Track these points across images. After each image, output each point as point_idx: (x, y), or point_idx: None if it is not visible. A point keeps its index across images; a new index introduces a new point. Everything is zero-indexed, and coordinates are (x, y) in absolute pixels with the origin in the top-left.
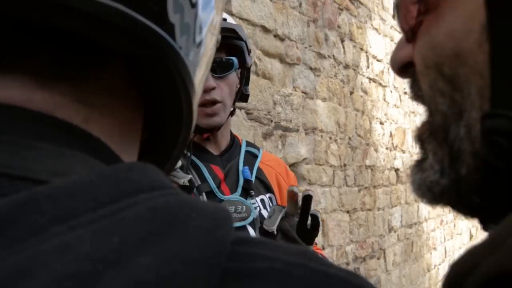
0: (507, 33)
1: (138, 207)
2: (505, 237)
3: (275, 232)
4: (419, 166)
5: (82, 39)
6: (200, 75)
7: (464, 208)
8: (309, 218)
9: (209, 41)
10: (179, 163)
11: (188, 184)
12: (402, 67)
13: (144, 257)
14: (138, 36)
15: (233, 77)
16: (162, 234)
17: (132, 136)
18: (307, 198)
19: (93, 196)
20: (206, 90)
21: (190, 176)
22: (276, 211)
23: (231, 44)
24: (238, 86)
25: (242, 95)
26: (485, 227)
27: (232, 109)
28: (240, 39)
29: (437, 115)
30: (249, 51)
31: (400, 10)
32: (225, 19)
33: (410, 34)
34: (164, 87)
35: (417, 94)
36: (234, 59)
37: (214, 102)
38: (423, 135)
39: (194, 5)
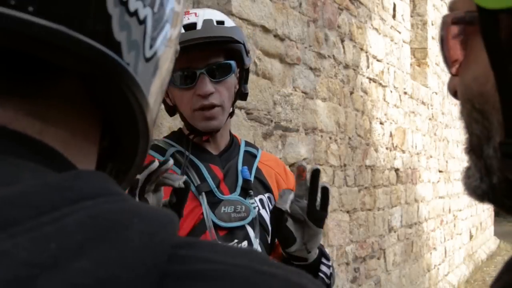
0: (507, 86)
1: (80, 214)
2: None
3: (288, 210)
4: (466, 172)
5: (33, 59)
6: (157, 86)
7: (501, 207)
8: (318, 196)
9: (164, 54)
10: (171, 162)
11: (183, 186)
12: (454, 94)
13: (82, 261)
14: (83, 55)
15: (232, 80)
16: (102, 240)
17: (89, 146)
18: (316, 173)
19: (35, 204)
20: (204, 96)
21: (185, 177)
22: (286, 192)
23: (229, 48)
24: (237, 87)
25: (241, 94)
26: None
27: (231, 110)
28: (238, 42)
29: (473, 136)
30: (247, 52)
31: (444, 44)
32: (222, 22)
33: (452, 70)
34: (116, 101)
35: (461, 116)
36: (232, 62)
37: (212, 106)
38: (466, 150)
39: (142, 22)
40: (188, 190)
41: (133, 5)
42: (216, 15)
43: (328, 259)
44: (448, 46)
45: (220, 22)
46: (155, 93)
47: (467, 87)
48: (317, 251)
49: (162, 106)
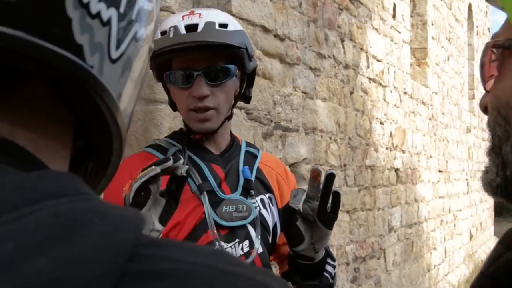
0: None
1: (41, 213)
2: None
3: (301, 210)
4: (485, 170)
5: None
6: (129, 86)
7: (510, 198)
8: (330, 199)
9: (135, 53)
10: (181, 160)
11: (185, 175)
12: (484, 109)
13: (38, 261)
14: (44, 60)
15: (231, 83)
16: (61, 239)
17: (61, 147)
18: (330, 177)
19: None
20: (199, 98)
21: (187, 166)
22: (299, 192)
23: (229, 52)
24: (238, 90)
25: (245, 97)
26: None
27: (229, 113)
28: (239, 47)
29: (496, 137)
30: (250, 56)
31: (483, 65)
32: (225, 25)
33: (487, 85)
34: (84, 102)
35: (488, 124)
36: (232, 67)
37: (206, 109)
38: (488, 151)
39: (106, 24)
40: (187, 178)
41: (94, 7)
42: (220, 17)
43: (333, 259)
44: (486, 67)
45: (223, 25)
46: (127, 93)
47: (496, 97)
48: (324, 251)
49: (162, 106)
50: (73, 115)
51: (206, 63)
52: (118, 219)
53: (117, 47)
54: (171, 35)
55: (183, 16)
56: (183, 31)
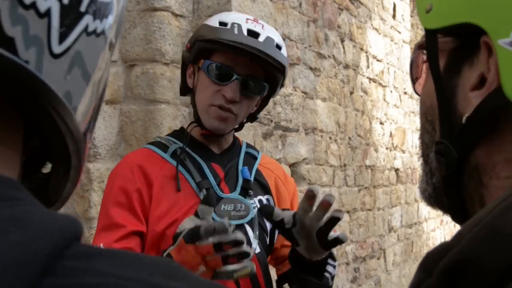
0: (441, 92)
1: None
2: (466, 234)
3: (285, 220)
4: (420, 177)
5: None
6: (81, 82)
7: (442, 207)
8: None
9: (87, 48)
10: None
11: (249, 252)
12: None
13: None
14: None
15: (256, 99)
16: None
17: (7, 149)
18: (335, 221)
19: None
20: (230, 100)
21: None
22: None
23: (271, 73)
24: (254, 109)
25: (252, 116)
26: (455, 221)
27: (237, 126)
28: (283, 73)
29: (424, 144)
30: (282, 85)
31: (412, 67)
32: (280, 48)
33: (416, 88)
34: (24, 101)
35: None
36: (266, 86)
37: (229, 111)
38: (419, 158)
39: (43, 15)
40: (249, 255)
41: None
42: (277, 37)
43: (334, 259)
44: (415, 68)
45: (279, 47)
46: (79, 91)
47: (422, 102)
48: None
49: (162, 106)
50: (21, 115)
51: (248, 71)
52: (41, 228)
53: (61, 41)
54: (236, 31)
55: (247, 19)
56: (245, 33)
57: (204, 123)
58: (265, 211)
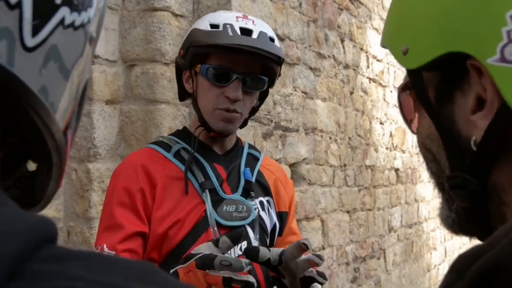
0: (444, 130)
1: None
2: (500, 239)
3: (271, 260)
4: (440, 203)
5: None
6: (58, 78)
7: (467, 233)
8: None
9: (64, 42)
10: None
11: (253, 283)
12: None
13: None
14: None
15: (257, 94)
16: None
17: None
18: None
19: None
20: (234, 100)
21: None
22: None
23: (268, 65)
24: (255, 102)
25: (253, 109)
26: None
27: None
28: (280, 64)
29: (433, 174)
30: (279, 74)
31: (401, 109)
32: (273, 40)
33: (412, 128)
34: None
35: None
36: (266, 79)
37: (235, 112)
38: (434, 187)
39: (14, 7)
40: (253, 285)
41: None
42: (269, 30)
43: (325, 278)
44: (405, 110)
45: (272, 39)
46: (57, 86)
47: (419, 134)
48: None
49: (162, 106)
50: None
51: (246, 68)
52: (8, 228)
53: (34, 33)
54: (230, 33)
55: (237, 17)
56: (239, 32)
57: (211, 126)
58: (251, 254)
